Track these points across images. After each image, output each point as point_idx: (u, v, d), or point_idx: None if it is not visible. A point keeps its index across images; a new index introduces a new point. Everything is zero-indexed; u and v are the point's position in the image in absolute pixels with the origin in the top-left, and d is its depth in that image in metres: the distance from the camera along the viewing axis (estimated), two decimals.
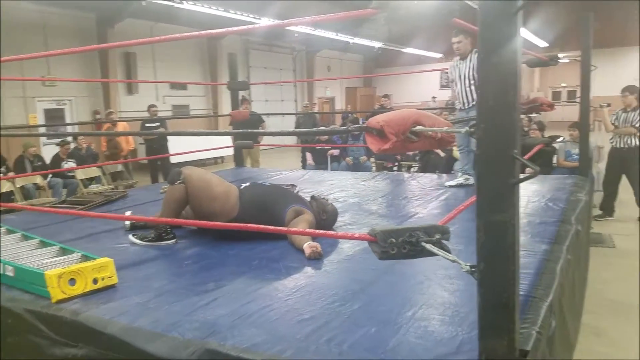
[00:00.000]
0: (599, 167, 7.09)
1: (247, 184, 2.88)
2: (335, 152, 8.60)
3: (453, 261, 1.28)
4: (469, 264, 1.23)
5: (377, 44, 18.39)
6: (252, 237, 2.59)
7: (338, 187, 4.48)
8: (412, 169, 8.70)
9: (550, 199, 3.61)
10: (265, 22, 11.87)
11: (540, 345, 1.52)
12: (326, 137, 8.52)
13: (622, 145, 6.13)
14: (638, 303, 3.67)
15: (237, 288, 2.03)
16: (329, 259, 2.37)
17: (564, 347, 2.24)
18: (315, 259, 2.32)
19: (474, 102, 4.13)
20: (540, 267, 2.14)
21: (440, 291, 1.98)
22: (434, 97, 20.36)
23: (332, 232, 2.57)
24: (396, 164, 8.97)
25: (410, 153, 8.70)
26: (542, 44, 17.20)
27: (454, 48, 4.28)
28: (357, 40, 16.82)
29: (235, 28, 2.27)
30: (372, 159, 8.89)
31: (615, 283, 4.25)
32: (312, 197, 2.93)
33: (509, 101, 1.04)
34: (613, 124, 6.22)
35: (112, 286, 2.04)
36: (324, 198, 2.96)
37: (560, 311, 2.08)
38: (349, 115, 13.35)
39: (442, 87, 21.31)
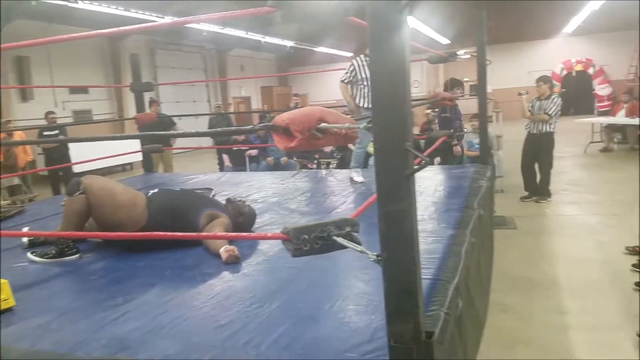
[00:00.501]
0: (499, 155, 7.68)
1: (156, 190, 2.77)
2: (254, 152, 8.52)
3: (361, 252, 1.31)
4: (375, 254, 1.27)
5: (289, 43, 18.47)
6: (164, 246, 2.49)
7: (257, 187, 4.45)
8: (331, 166, 8.85)
9: (455, 187, 3.85)
10: (165, 21, 11.46)
11: (449, 326, 1.61)
12: (243, 137, 8.42)
13: (535, 131, 6.62)
14: (537, 278, 4.04)
15: (148, 300, 1.95)
16: (247, 262, 2.34)
17: (474, 325, 2.39)
18: (233, 263, 2.28)
19: None
20: (447, 251, 2.27)
21: (357, 282, 2.03)
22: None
23: (245, 234, 2.54)
24: (315, 161, 9.08)
25: (328, 150, 8.86)
26: (445, 40, 18.28)
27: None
28: (269, 39, 16.78)
29: (134, 26, 2.16)
30: (295, 158, 8.94)
31: (517, 261, 4.62)
32: (228, 200, 2.88)
33: (400, 97, 1.09)
34: (530, 111, 6.69)
35: (8, 309, 1.87)
36: (240, 200, 2.91)
37: (467, 291, 2.21)
38: (266, 114, 13.29)
39: None
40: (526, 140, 6.84)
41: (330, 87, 21.72)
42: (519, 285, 4.09)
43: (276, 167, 8.09)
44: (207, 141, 11.83)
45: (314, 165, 8.94)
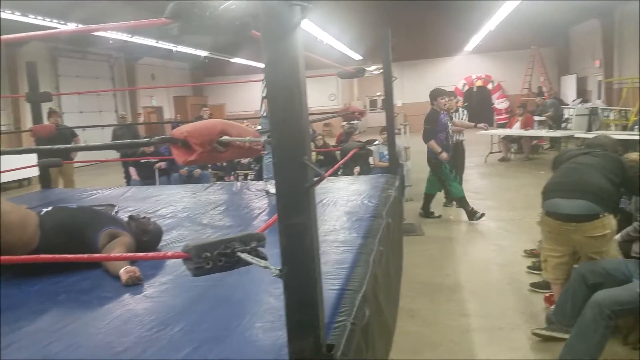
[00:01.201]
0: (408, 165, 8.05)
1: (49, 208, 2.55)
2: (163, 165, 8.18)
3: (265, 267, 1.29)
4: (278, 268, 1.26)
5: (203, 53, 18.09)
6: (58, 269, 2.30)
7: (165, 202, 4.24)
8: (248, 177, 8.74)
9: (366, 197, 3.95)
10: (67, 27, 10.72)
11: (355, 336, 1.63)
12: (152, 148, 8.06)
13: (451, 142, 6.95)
14: (442, 282, 4.24)
15: (38, 328, 1.78)
16: (150, 282, 2.21)
17: (382, 333, 2.45)
18: (134, 285, 2.15)
19: None
20: (356, 261, 2.31)
21: (267, 297, 1.99)
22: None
23: (141, 254, 2.41)
24: (233, 173, 8.93)
25: (245, 161, 8.76)
26: (357, 57, 18.94)
27: None
28: (181, 49, 16.30)
29: (31, 33, 1.98)
30: (210, 170, 8.72)
31: (424, 267, 4.84)
32: (131, 217, 2.72)
33: (296, 111, 1.10)
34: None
35: None
36: (145, 217, 2.76)
37: (375, 300, 2.26)
38: (179, 124, 12.85)
39: None
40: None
41: (247, 98, 21.60)
42: (426, 291, 4.28)
43: (189, 180, 7.81)
44: (114, 153, 11.18)
45: (232, 177, 8.80)
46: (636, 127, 8.43)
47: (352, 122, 11.17)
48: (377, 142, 7.90)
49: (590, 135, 7.68)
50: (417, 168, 8.32)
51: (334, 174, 5.54)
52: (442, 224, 6.43)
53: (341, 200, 3.86)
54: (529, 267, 4.50)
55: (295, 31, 1.07)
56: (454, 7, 18.44)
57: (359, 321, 1.74)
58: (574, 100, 14.85)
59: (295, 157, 1.11)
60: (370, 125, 20.22)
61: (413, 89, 20.46)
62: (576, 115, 10.19)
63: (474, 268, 4.77)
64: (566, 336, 2.96)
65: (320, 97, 20.17)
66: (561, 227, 3.17)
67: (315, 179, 1.19)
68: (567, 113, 10.80)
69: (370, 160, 7.88)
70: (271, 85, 1.12)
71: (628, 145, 7.77)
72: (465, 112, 7.20)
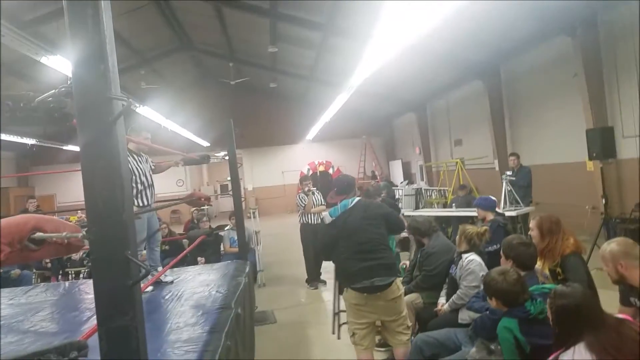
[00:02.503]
0: (259, 249, 8.05)
1: None
2: None
3: None
4: None
5: (31, 141, 16.45)
6: None
7: None
8: (80, 275, 7.79)
9: (214, 286, 3.82)
10: None
11: None
12: None
13: (312, 222, 6.98)
14: None
15: None
16: None
17: None
18: None
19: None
20: None
21: None
22: None
23: None
24: (61, 272, 7.92)
25: (76, 257, 7.87)
26: (205, 143, 19.07)
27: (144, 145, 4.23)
28: (5, 137, 14.63)
29: None
30: (34, 270, 7.61)
31: (278, 356, 4.70)
32: None
33: (118, 204, 1.06)
34: (302, 205, 7.13)
35: None
36: None
37: None
38: None
39: None
40: (304, 231, 7.18)
41: (80, 188, 19.89)
42: None
43: (6, 282, 6.70)
44: None
45: (59, 276, 7.78)
46: (453, 204, 9.72)
47: (202, 208, 10.97)
48: (227, 227, 7.79)
49: (416, 213, 8.65)
50: (268, 251, 8.36)
51: (180, 264, 5.26)
52: (294, 309, 6.35)
53: (186, 293, 3.67)
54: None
55: (115, 124, 1.06)
56: (294, 101, 20.11)
57: None
58: (402, 182, 16.81)
59: (117, 252, 1.05)
60: (222, 210, 20.06)
61: (262, 173, 21.14)
62: (405, 195, 11.42)
63: (326, 350, 4.76)
64: None
65: (168, 182, 19.52)
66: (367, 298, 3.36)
67: (142, 274, 1.13)
68: (397, 194, 12.06)
69: (222, 246, 7.71)
70: (89, 179, 1.07)
71: (448, 220, 8.95)
72: (320, 194, 7.44)
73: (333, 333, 4.12)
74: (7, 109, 1.26)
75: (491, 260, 3.94)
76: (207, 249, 7.30)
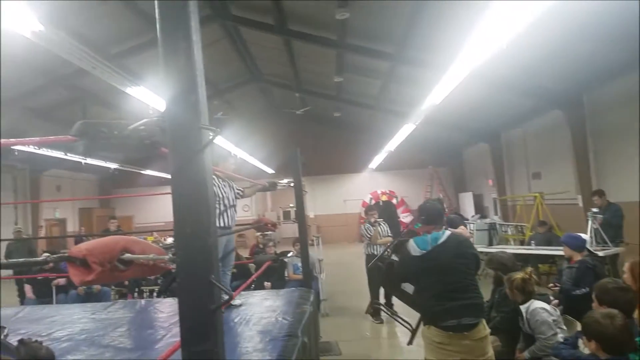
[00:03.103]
0: (322, 278, 8.03)
1: None
2: (62, 281, 7.45)
3: None
4: None
5: (114, 165, 17.69)
6: None
7: (62, 323, 3.86)
8: (154, 294, 8.16)
9: (280, 313, 3.84)
10: None
11: None
12: (51, 265, 7.37)
13: (377, 253, 6.89)
14: None
15: None
16: None
17: None
18: None
19: None
20: None
21: None
22: None
23: None
24: (137, 290, 8.32)
25: (152, 276, 8.25)
26: (270, 170, 19.60)
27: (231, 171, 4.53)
28: (90, 161, 15.84)
29: None
30: (112, 287, 8.07)
31: None
32: (21, 342, 2.39)
33: (203, 227, 1.09)
34: (369, 235, 7.07)
35: None
36: (37, 341, 2.45)
37: None
38: (83, 238, 12.04)
39: None
40: (370, 262, 6.94)
41: (156, 209, 20.96)
42: None
43: (88, 297, 7.14)
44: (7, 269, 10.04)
45: (135, 294, 8.18)
46: (532, 241, 9.21)
47: (267, 233, 11.19)
48: (290, 254, 7.87)
49: (492, 250, 8.26)
50: (331, 280, 8.31)
51: (247, 288, 5.37)
52: (358, 342, 6.20)
53: (254, 318, 3.72)
54: None
55: (203, 152, 1.11)
56: (358, 130, 20.21)
57: None
58: (473, 216, 16.00)
59: (201, 275, 1.09)
60: (284, 236, 20.30)
61: (324, 201, 21.27)
62: (477, 230, 10.91)
63: None
64: None
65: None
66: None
67: (224, 299, 1.15)
68: (468, 228, 11.52)
69: (285, 272, 7.77)
70: (178, 204, 1.12)
71: (527, 259, 8.47)
72: (386, 224, 7.37)
73: None
74: (102, 135, 1.35)
75: (578, 304, 3.67)
76: (273, 274, 7.40)
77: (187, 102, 1.14)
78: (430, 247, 3.25)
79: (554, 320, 3.43)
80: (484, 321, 3.25)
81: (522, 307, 3.63)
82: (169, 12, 1.16)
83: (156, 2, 1.18)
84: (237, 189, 4.56)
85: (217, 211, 4.20)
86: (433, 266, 3.22)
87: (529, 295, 3.64)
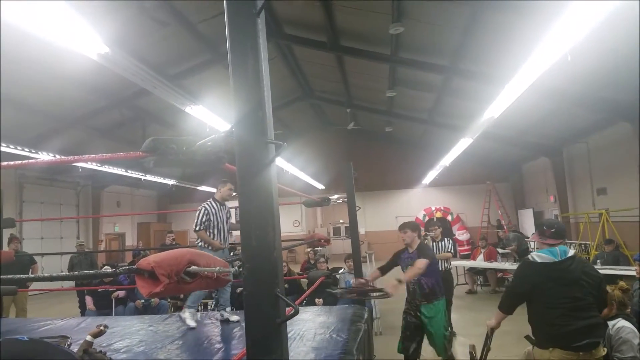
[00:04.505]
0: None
1: None
2: (122, 294, 7.75)
3: None
4: None
5: (171, 182, 18.42)
6: None
7: (121, 335, 3.99)
8: (208, 307, 8.29)
9: (334, 330, 3.81)
10: (43, 158, 10.69)
11: None
12: (110, 277, 7.71)
13: (441, 269, 6.86)
14: None
15: None
16: None
17: None
18: None
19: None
20: None
21: None
22: None
23: None
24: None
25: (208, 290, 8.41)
26: (320, 186, 19.69)
27: (232, 195, 4.74)
28: (149, 177, 16.59)
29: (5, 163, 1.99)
30: (169, 299, 8.29)
31: None
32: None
33: (269, 242, 1.10)
34: None
35: None
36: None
37: None
38: (140, 252, 12.54)
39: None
40: None
41: None
42: None
43: (145, 309, 7.38)
44: (70, 281, 10.59)
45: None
46: (598, 261, 8.71)
47: (317, 249, 11.19)
48: (342, 271, 7.80)
49: None
50: (384, 299, 8.11)
51: (299, 303, 5.37)
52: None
53: (308, 334, 3.70)
54: None
55: (270, 167, 1.12)
56: (410, 145, 19.94)
57: None
58: (534, 234, 15.18)
59: (268, 289, 1.08)
60: (334, 252, 20.24)
61: (375, 218, 21.04)
62: (537, 249, 10.40)
63: None
64: None
65: (285, 223, 20.39)
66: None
67: (288, 312, 1.15)
68: (529, 246, 11.06)
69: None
70: (245, 217, 1.13)
71: None
72: (450, 241, 7.22)
73: None
74: (172, 151, 1.39)
75: None
76: (325, 291, 7.34)
77: (255, 117, 1.16)
78: (559, 258, 3.14)
79: (638, 344, 3.22)
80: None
81: (609, 323, 3.43)
82: (238, 29, 1.19)
83: (226, 20, 1.21)
84: (229, 214, 5.02)
85: (212, 235, 4.73)
86: (561, 277, 3.10)
87: (623, 309, 3.46)
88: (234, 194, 4.75)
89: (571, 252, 3.20)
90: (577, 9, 4.34)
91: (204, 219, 4.71)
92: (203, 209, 4.77)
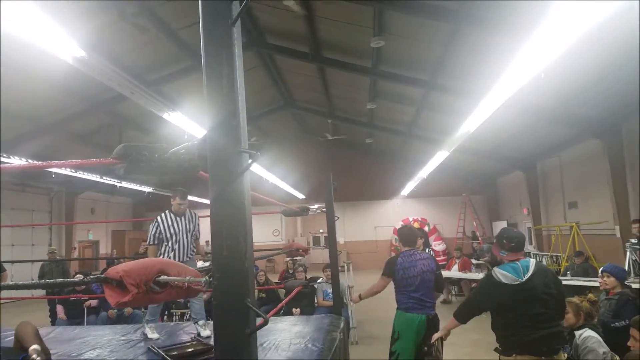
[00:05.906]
0: (352, 305, 7.88)
1: None
2: (94, 302, 7.56)
3: None
4: None
5: (148, 189, 18.14)
6: None
7: (92, 345, 3.91)
8: (185, 317, 8.16)
9: (310, 340, 3.79)
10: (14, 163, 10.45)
11: None
12: (82, 286, 7.52)
13: None
14: None
15: None
16: None
17: None
18: None
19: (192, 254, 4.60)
20: None
21: None
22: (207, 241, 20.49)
23: None
24: (167, 312, 8.36)
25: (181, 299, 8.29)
26: (301, 196, 19.68)
27: (181, 209, 4.60)
28: (125, 184, 16.31)
29: None
30: (143, 309, 8.13)
31: None
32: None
33: (240, 251, 1.09)
34: None
35: None
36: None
37: None
38: (114, 260, 12.31)
39: None
40: None
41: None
42: None
43: (118, 319, 7.22)
44: (40, 290, 10.30)
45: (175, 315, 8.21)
46: (568, 272, 8.90)
47: (296, 258, 11.16)
48: (320, 280, 7.78)
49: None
50: (361, 308, 8.15)
51: (276, 313, 5.32)
52: None
53: (284, 344, 3.67)
54: None
55: (243, 176, 1.11)
56: (389, 156, 20.13)
57: None
58: (493, 244, 15.45)
59: (238, 299, 1.08)
60: (313, 261, 20.18)
61: (354, 227, 21.12)
62: None
63: None
64: None
65: (265, 232, 20.30)
66: None
67: (258, 322, 1.14)
68: None
69: (315, 298, 7.68)
70: (217, 226, 1.12)
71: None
72: (432, 252, 7.29)
73: None
74: (143, 158, 1.37)
75: (616, 337, 3.52)
76: (302, 300, 7.31)
77: (229, 126, 1.16)
78: (524, 277, 3.18)
79: (603, 353, 3.29)
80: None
81: (576, 333, 3.51)
82: (213, 38, 1.19)
83: (201, 30, 1.21)
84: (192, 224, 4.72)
85: (168, 247, 4.48)
86: (525, 297, 3.15)
87: (590, 320, 3.54)
88: (183, 207, 4.59)
89: (532, 264, 3.26)
90: (551, 28, 4.47)
91: (155, 233, 4.50)
92: (155, 222, 4.54)
